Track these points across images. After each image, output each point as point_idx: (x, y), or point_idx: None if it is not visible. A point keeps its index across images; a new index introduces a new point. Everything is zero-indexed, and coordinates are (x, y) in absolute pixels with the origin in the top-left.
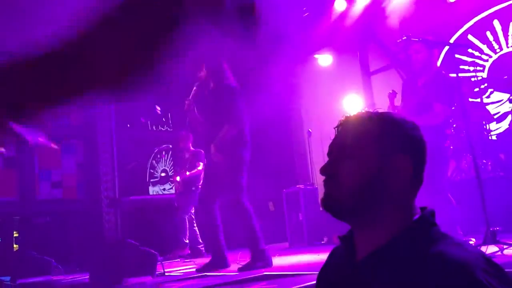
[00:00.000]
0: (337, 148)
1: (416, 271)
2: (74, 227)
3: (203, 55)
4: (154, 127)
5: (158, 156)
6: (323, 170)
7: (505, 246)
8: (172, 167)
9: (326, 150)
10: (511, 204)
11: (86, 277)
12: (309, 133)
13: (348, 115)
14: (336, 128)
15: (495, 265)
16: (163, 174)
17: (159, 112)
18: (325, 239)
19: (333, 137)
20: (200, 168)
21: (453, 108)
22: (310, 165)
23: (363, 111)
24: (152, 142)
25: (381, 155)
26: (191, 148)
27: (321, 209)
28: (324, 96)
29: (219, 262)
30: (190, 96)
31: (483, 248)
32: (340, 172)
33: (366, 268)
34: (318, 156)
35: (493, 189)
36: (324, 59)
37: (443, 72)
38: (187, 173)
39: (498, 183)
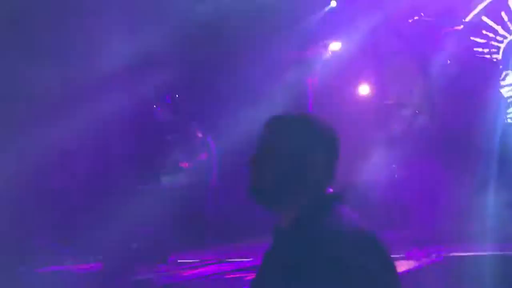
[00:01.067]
0: (263, 145)
1: (303, 245)
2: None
3: None
4: (165, 116)
5: (169, 144)
6: (251, 161)
7: None
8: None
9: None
10: None
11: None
12: None
13: (276, 116)
14: (265, 127)
15: (370, 243)
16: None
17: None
18: None
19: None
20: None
21: None
22: None
23: (289, 113)
24: (164, 131)
25: (298, 153)
26: (200, 135)
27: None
28: (335, 82)
29: None
30: None
31: None
32: (265, 166)
33: (279, 239)
34: None
35: None
36: (335, 45)
37: None
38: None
39: None
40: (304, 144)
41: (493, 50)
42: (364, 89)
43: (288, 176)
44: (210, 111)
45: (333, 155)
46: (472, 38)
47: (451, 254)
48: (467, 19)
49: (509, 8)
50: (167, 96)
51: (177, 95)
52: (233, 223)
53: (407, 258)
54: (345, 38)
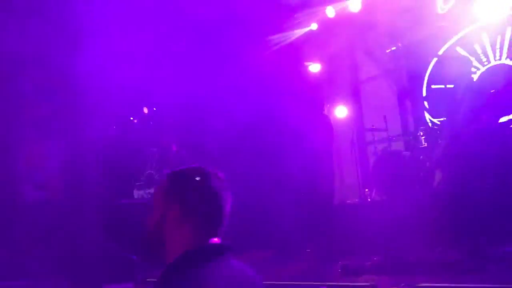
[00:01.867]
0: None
1: None
2: (56, 231)
3: None
4: (142, 129)
5: (145, 158)
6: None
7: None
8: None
9: None
10: (498, 215)
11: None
12: None
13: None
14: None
15: None
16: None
17: (146, 113)
18: (309, 248)
19: None
20: None
21: None
22: None
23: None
24: (140, 144)
25: (163, 206)
26: (174, 149)
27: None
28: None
29: None
30: None
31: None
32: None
33: None
34: None
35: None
36: (315, 67)
37: None
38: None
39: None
40: (168, 198)
41: None
42: (341, 111)
43: (158, 228)
44: (187, 125)
45: (211, 209)
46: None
47: (423, 285)
48: (442, 50)
49: (482, 41)
50: (144, 108)
51: (154, 108)
52: None
53: None
54: (325, 61)
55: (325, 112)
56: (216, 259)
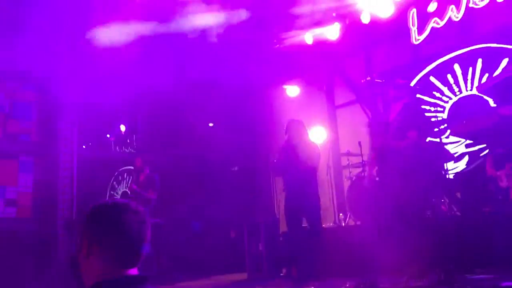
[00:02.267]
0: None
1: None
2: (27, 248)
3: None
4: (117, 148)
5: (120, 177)
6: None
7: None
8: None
9: None
10: (467, 243)
11: None
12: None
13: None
14: None
15: None
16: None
17: (123, 132)
18: (284, 271)
19: None
20: (153, 195)
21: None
22: (274, 196)
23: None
24: (115, 163)
25: (80, 239)
26: (148, 171)
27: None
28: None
29: None
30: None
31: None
32: None
33: None
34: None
35: (449, 228)
36: (292, 90)
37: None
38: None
39: (454, 221)
40: (80, 233)
41: (439, 109)
42: (318, 136)
43: (74, 260)
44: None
45: (121, 243)
46: (421, 96)
47: None
48: (416, 80)
49: (455, 71)
50: (120, 127)
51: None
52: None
53: None
54: (303, 84)
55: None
56: None
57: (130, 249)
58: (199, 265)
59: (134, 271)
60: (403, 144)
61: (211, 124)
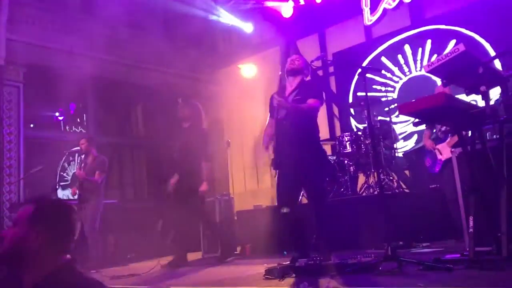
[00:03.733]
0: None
1: None
2: None
3: None
4: (67, 128)
5: (70, 158)
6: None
7: (403, 262)
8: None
9: (246, 160)
10: (414, 218)
11: None
12: (228, 143)
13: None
14: None
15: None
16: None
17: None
18: (238, 249)
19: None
20: (99, 178)
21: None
22: (230, 174)
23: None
24: (64, 144)
25: (27, 228)
26: (95, 153)
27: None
28: (246, 106)
29: None
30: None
31: (384, 264)
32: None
33: None
34: (238, 166)
35: (398, 204)
36: (248, 69)
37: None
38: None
39: (402, 198)
40: (36, 223)
41: (390, 89)
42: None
43: (21, 246)
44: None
45: (65, 232)
46: (371, 75)
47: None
48: (368, 60)
49: (405, 52)
50: (70, 105)
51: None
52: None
53: None
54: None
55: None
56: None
57: (71, 240)
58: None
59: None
60: (304, 107)
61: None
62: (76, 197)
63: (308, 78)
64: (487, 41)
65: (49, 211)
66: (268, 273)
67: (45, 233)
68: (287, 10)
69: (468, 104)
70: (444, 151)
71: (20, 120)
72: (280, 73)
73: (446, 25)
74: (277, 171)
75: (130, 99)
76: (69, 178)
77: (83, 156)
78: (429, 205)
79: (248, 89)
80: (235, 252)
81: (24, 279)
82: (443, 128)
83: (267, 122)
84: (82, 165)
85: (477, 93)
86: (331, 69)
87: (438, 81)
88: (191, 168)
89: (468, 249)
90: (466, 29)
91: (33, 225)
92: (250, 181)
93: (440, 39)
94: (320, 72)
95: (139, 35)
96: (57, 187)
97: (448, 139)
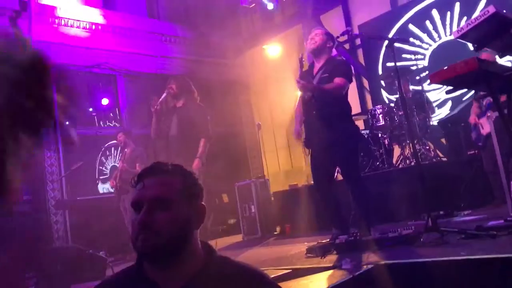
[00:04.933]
0: (149, 201)
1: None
2: (20, 231)
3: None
4: (101, 123)
5: (107, 152)
6: (141, 223)
7: (445, 232)
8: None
9: (278, 141)
10: (454, 187)
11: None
12: (259, 126)
13: (148, 168)
14: (139, 180)
15: None
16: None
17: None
18: (278, 229)
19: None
20: (140, 169)
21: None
22: (263, 156)
23: (164, 165)
24: (100, 138)
25: (187, 205)
26: (133, 145)
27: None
28: (274, 87)
29: None
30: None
31: (425, 235)
32: (157, 222)
33: None
34: (271, 147)
35: (436, 174)
36: (273, 49)
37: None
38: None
39: (440, 167)
40: (191, 196)
41: (420, 56)
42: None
43: (184, 229)
44: None
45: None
46: (400, 45)
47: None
48: (395, 29)
49: (433, 17)
50: (103, 100)
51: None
52: None
53: None
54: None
55: None
56: None
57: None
58: None
59: None
60: (329, 87)
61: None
62: (114, 190)
63: (334, 53)
64: None
65: (193, 179)
66: (309, 251)
67: (200, 209)
68: None
69: (502, 66)
70: (486, 125)
71: (55, 119)
72: (300, 55)
73: None
74: (310, 150)
75: (160, 89)
76: (108, 171)
77: (120, 149)
78: (468, 172)
79: (275, 69)
80: (275, 233)
81: (163, 282)
82: (484, 101)
83: (296, 102)
84: (122, 157)
85: (511, 54)
86: (358, 41)
87: (470, 46)
88: (189, 147)
89: (511, 214)
90: None
91: (188, 200)
92: (283, 162)
93: (469, 0)
94: (346, 46)
95: (163, 27)
96: (97, 181)
97: (489, 112)
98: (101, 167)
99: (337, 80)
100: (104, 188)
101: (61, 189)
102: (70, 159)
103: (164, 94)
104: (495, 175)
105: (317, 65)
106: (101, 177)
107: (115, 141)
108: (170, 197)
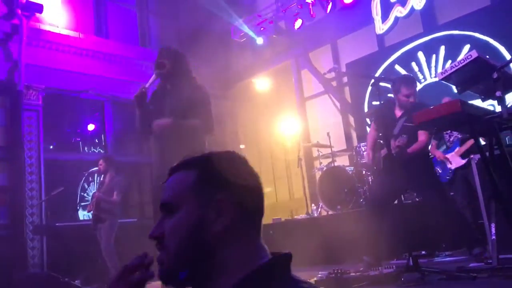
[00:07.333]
0: (161, 206)
1: None
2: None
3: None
4: (86, 149)
5: (90, 178)
6: (150, 235)
7: (426, 273)
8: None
9: (263, 175)
10: (436, 227)
11: None
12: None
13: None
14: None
15: None
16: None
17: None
18: None
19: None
20: (117, 198)
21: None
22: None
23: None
24: (84, 164)
25: (199, 202)
26: (113, 173)
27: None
28: (261, 118)
29: None
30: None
31: (406, 275)
32: (166, 233)
33: None
34: None
35: (418, 213)
36: (261, 83)
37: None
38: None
39: (422, 206)
40: (205, 189)
41: None
42: (289, 128)
43: (195, 237)
44: None
45: (245, 193)
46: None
47: None
48: (381, 68)
49: (419, 59)
50: (88, 126)
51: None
52: None
53: None
54: (271, 77)
55: None
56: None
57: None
58: None
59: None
60: (416, 147)
61: None
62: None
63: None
64: (501, 44)
65: (214, 166)
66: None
67: (233, 197)
68: (297, 23)
69: (484, 109)
70: (454, 160)
71: (40, 143)
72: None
73: (459, 30)
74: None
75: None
76: (89, 198)
77: (102, 177)
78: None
79: (264, 102)
80: None
81: None
82: (451, 138)
83: (370, 134)
84: (100, 185)
85: (493, 99)
86: (345, 79)
87: (454, 88)
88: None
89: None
90: (480, 33)
91: (201, 196)
92: (268, 195)
93: (453, 44)
94: (334, 83)
95: (154, 55)
96: (78, 207)
97: (457, 148)
98: (83, 193)
99: (421, 138)
100: (84, 215)
101: (40, 214)
102: (51, 184)
103: (153, 75)
104: (466, 209)
105: (398, 112)
106: (82, 204)
107: (97, 168)
108: (174, 198)
